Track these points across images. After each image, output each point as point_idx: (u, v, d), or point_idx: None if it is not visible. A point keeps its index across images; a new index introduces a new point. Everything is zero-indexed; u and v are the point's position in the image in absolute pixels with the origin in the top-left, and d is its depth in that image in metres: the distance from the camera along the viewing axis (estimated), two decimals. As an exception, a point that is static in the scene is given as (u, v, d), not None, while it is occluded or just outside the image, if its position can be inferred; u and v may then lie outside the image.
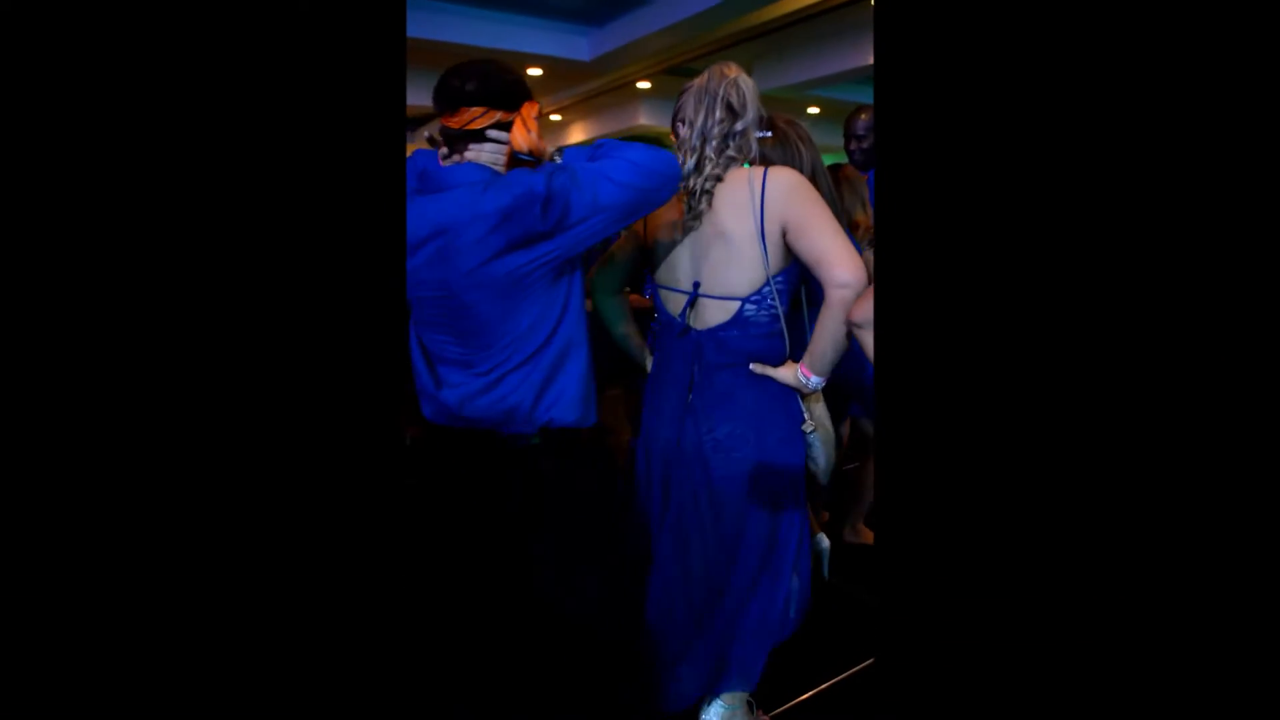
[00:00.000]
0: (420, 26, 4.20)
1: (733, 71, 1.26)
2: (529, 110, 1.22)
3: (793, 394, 1.30)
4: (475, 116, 1.17)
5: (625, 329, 1.49)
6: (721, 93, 1.23)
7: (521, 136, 1.21)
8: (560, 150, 1.25)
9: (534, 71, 5.11)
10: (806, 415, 1.32)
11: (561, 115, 7.97)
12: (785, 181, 1.20)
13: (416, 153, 1.30)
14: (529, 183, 1.11)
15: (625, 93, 5.94)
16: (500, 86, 1.19)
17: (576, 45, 4.69)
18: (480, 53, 4.53)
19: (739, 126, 1.24)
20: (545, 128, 8.94)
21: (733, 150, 1.24)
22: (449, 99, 1.18)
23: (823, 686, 1.73)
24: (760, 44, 4.49)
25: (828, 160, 1.61)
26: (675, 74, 5.26)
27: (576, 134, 8.43)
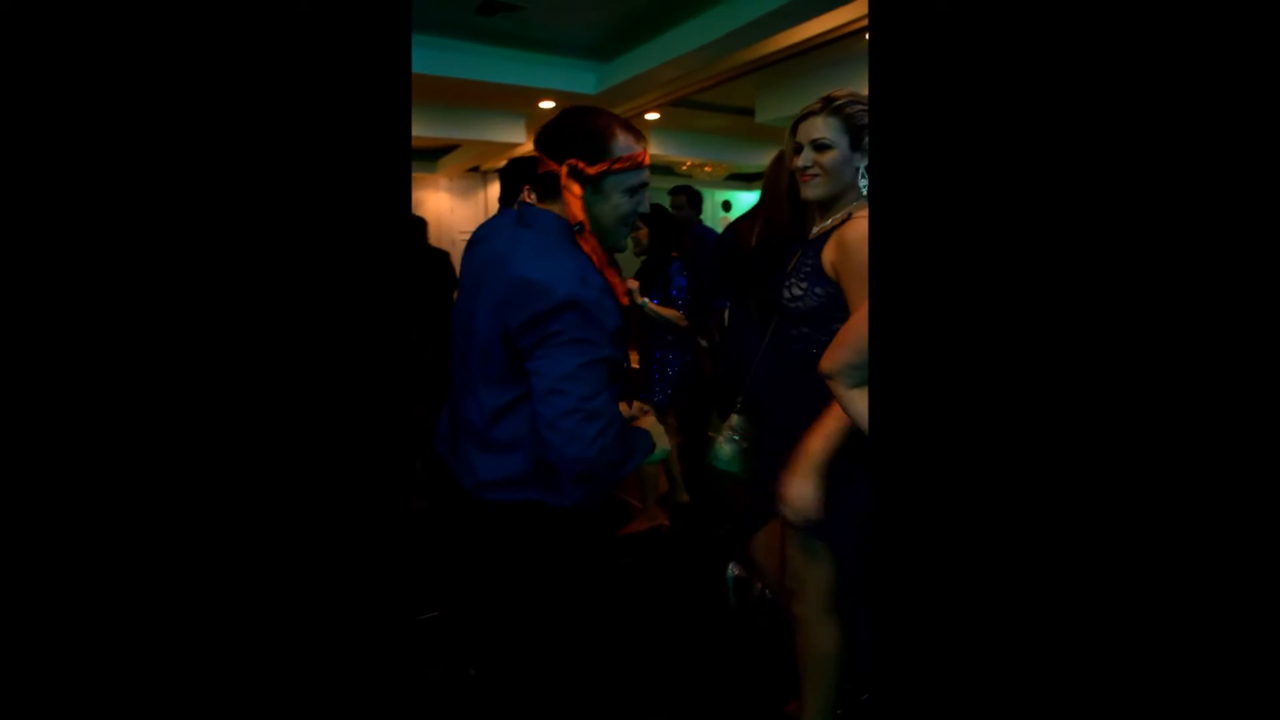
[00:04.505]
0: (435, 64, 4.43)
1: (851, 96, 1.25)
2: (568, 167, 1.09)
3: None
4: (538, 165, 1.14)
5: None
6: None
7: (568, 198, 1.09)
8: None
9: (546, 104, 5.32)
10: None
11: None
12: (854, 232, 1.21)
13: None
14: (551, 283, 1.02)
15: (635, 124, 6.14)
16: (550, 132, 1.13)
17: (584, 80, 4.89)
18: (493, 87, 4.75)
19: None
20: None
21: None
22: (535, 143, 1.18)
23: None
24: (762, 75, 4.67)
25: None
26: (682, 105, 5.46)
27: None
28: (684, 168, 7.54)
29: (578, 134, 1.11)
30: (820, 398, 1.25)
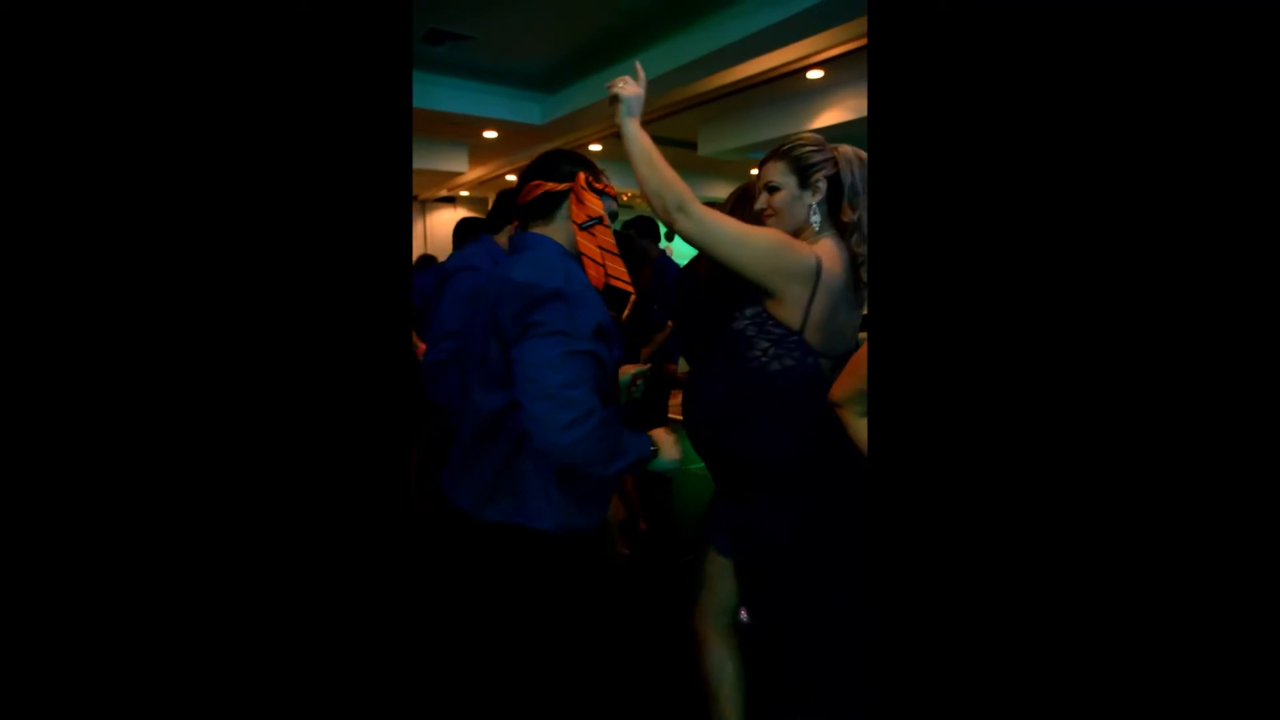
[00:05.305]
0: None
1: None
2: (580, 181, 1.24)
3: None
4: (531, 190, 1.24)
5: None
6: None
7: (575, 207, 1.23)
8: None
9: (490, 134, 5.32)
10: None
11: (516, 176, 8.17)
12: None
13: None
14: (539, 279, 1.10)
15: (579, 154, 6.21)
16: (550, 161, 1.26)
17: (529, 110, 4.92)
18: (440, 116, 4.74)
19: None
20: (500, 187, 9.13)
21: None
22: (520, 182, 1.28)
23: None
24: (705, 110, 4.79)
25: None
26: (625, 137, 5.53)
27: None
28: (626, 198, 7.63)
29: (578, 159, 1.28)
30: (783, 423, 1.28)
